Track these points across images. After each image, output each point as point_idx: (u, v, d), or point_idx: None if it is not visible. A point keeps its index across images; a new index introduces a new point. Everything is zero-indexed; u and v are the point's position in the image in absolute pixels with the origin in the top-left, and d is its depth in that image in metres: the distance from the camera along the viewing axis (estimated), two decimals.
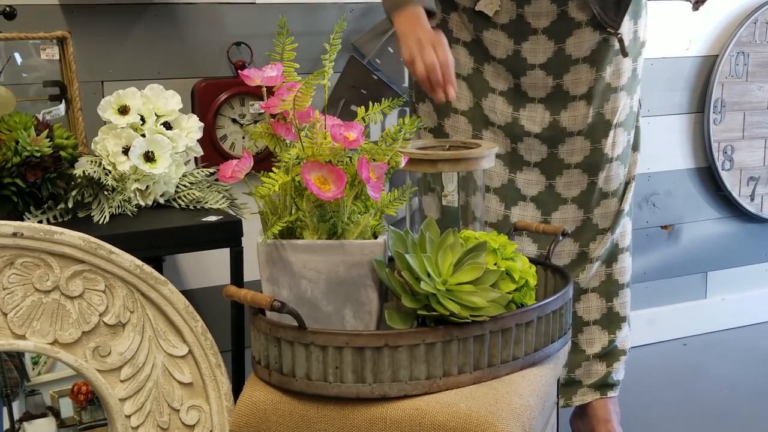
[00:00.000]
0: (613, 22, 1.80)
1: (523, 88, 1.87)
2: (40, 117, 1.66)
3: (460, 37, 1.88)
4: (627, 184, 1.98)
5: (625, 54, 1.84)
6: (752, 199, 2.85)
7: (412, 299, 1.26)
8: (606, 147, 1.91)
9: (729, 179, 2.79)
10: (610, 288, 2.01)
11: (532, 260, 1.46)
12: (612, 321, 2.02)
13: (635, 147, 2.00)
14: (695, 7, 1.86)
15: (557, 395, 1.54)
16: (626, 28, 1.84)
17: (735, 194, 2.81)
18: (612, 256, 2.00)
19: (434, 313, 1.25)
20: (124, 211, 1.64)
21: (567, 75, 1.85)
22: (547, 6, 1.80)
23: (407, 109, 2.28)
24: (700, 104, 2.75)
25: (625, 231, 2.00)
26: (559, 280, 1.51)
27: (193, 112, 2.07)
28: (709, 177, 2.80)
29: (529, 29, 1.82)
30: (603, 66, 1.85)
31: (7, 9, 1.76)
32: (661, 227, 2.77)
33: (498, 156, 1.90)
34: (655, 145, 2.65)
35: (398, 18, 1.70)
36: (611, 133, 1.91)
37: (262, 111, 2.11)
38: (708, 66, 2.73)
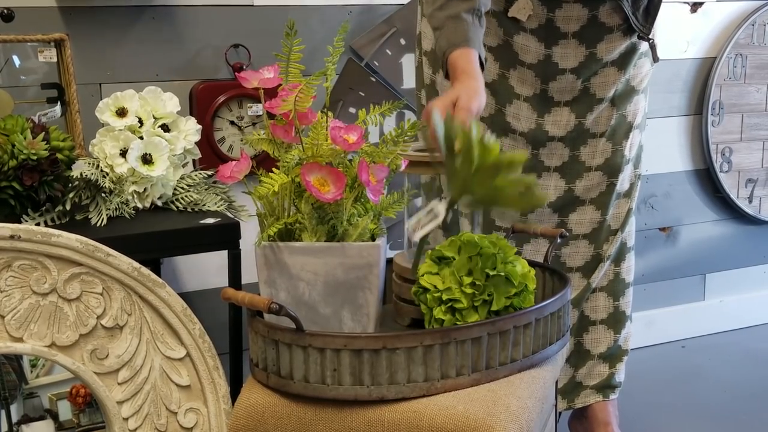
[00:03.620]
0: (644, 27, 1.80)
1: (549, 93, 1.86)
2: (36, 119, 1.66)
3: (486, 42, 1.83)
4: (635, 183, 1.99)
5: (656, 59, 1.85)
6: (750, 201, 2.85)
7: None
8: (626, 149, 1.91)
9: (727, 181, 2.79)
10: (617, 287, 2.01)
11: (530, 263, 1.46)
12: (618, 320, 2.02)
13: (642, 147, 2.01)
14: (693, 9, 1.86)
15: (555, 397, 1.54)
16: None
17: (733, 196, 2.81)
18: (620, 255, 2.00)
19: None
20: (121, 213, 1.64)
21: (595, 78, 1.85)
22: (578, 11, 1.79)
23: (405, 111, 2.28)
24: (698, 106, 2.75)
25: (631, 230, 2.02)
26: (558, 282, 1.50)
27: (191, 114, 2.07)
28: (707, 179, 2.80)
29: (559, 33, 1.81)
30: (628, 69, 1.86)
31: (5, 11, 1.76)
32: (660, 229, 2.77)
33: None
34: (654, 147, 2.65)
35: (454, 55, 1.50)
36: (631, 135, 1.92)
37: (260, 113, 2.11)
38: (706, 68, 2.73)
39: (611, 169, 1.92)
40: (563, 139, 1.88)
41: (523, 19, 1.78)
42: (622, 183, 1.95)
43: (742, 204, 2.84)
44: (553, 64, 1.83)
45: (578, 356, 2.03)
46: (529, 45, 1.81)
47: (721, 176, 2.78)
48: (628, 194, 1.97)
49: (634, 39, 1.83)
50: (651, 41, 1.83)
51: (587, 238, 1.95)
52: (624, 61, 1.85)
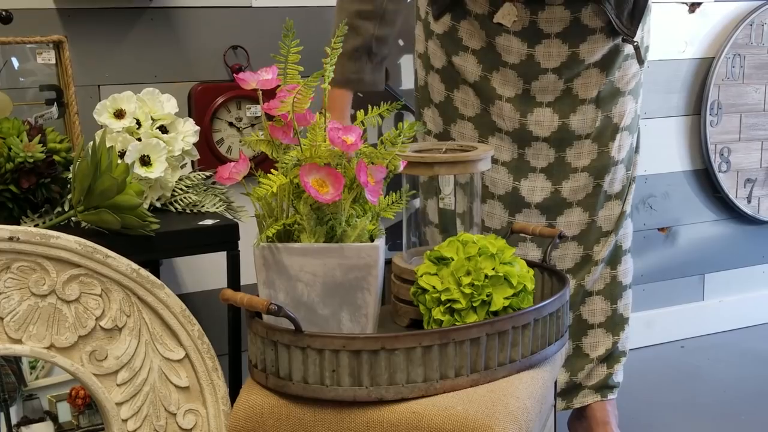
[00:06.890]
0: (628, 30, 1.80)
1: (532, 92, 1.86)
2: (32, 121, 1.66)
3: (469, 45, 1.86)
4: (628, 185, 1.98)
5: (641, 62, 1.85)
6: (749, 201, 2.85)
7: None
8: (613, 150, 1.91)
9: (726, 181, 2.79)
10: (614, 290, 2.01)
11: (529, 263, 1.46)
12: (616, 323, 2.02)
13: (636, 149, 2.00)
14: (691, 10, 1.86)
15: (555, 397, 1.54)
16: (637, 34, 1.84)
17: (732, 196, 2.81)
18: (615, 258, 2.00)
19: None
20: None
21: (577, 79, 1.85)
22: (561, 12, 1.79)
23: (404, 112, 2.29)
24: (697, 106, 2.75)
25: (626, 232, 2.01)
26: (557, 282, 1.50)
27: (189, 115, 2.07)
28: (706, 179, 2.80)
29: (542, 34, 1.81)
30: (612, 70, 1.86)
31: (3, 13, 1.76)
32: (658, 229, 2.77)
33: (504, 164, 1.90)
34: (652, 148, 2.66)
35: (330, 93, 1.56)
36: (618, 137, 1.91)
37: (259, 114, 2.11)
38: (704, 68, 2.73)
39: (597, 170, 1.92)
40: (548, 139, 1.88)
41: (508, 24, 1.79)
42: (611, 184, 1.94)
43: (741, 204, 2.84)
44: (535, 64, 1.83)
45: (577, 359, 2.03)
46: (511, 45, 1.82)
47: (720, 176, 2.78)
48: (619, 196, 1.96)
49: (618, 41, 1.83)
50: (636, 44, 1.82)
51: (576, 240, 1.95)
52: (607, 63, 1.85)
